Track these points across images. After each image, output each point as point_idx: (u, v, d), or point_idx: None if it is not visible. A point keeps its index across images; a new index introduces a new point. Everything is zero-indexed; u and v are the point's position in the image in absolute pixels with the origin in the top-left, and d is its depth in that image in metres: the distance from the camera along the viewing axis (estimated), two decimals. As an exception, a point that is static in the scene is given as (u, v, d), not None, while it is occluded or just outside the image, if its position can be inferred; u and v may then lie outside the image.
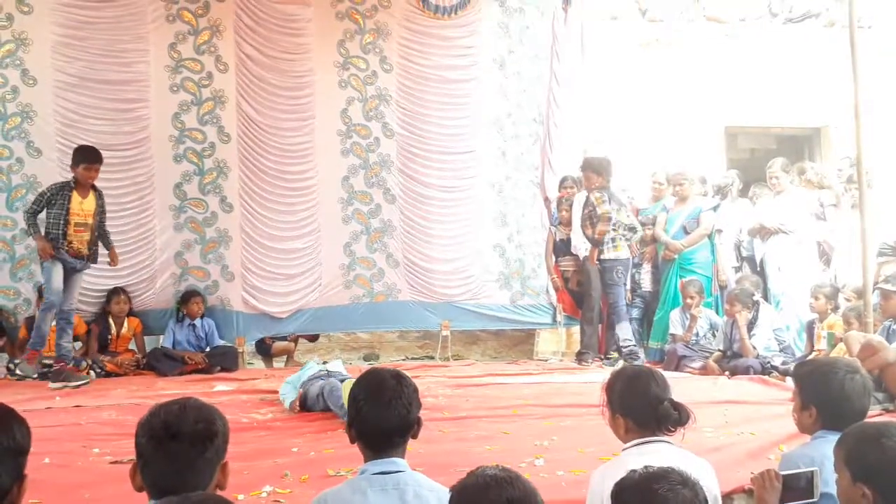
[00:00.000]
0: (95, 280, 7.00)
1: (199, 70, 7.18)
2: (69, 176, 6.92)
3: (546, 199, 7.96)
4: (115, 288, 6.97)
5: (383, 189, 7.63)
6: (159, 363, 6.83)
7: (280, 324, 7.48)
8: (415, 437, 2.26)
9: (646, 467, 1.87)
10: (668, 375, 6.20)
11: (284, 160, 7.36)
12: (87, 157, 6.19)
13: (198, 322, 7.13)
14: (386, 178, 7.63)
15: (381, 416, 2.18)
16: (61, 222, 6.04)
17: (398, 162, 7.66)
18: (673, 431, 2.36)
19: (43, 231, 6.05)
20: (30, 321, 6.79)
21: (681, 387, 5.55)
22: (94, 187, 6.28)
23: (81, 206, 6.14)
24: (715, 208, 7.43)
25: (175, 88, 7.14)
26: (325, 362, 5.32)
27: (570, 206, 7.70)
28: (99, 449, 3.67)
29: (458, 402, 4.94)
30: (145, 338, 7.22)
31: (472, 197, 7.78)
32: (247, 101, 7.25)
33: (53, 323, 6.18)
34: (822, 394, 2.53)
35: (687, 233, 7.39)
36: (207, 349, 7.09)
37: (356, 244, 7.60)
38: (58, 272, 6.04)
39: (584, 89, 8.10)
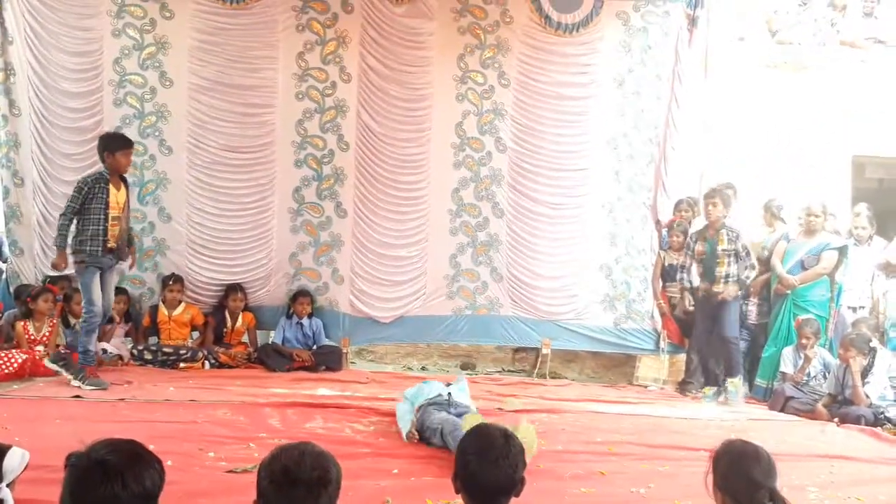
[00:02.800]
0: (215, 276, 7.42)
1: (324, 79, 7.41)
2: (197, 175, 7.36)
3: (657, 223, 7.83)
4: (234, 285, 7.34)
5: (492, 203, 7.69)
6: (269, 358, 7.17)
7: (383, 328, 7.69)
8: (517, 495, 2.32)
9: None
10: (774, 416, 6.05)
11: (399, 170, 7.53)
12: (124, 142, 5.87)
13: (306, 321, 7.42)
14: (496, 192, 7.69)
15: (488, 474, 2.25)
16: (102, 217, 5.65)
17: (509, 177, 7.70)
18: None
19: (81, 227, 5.68)
20: (153, 310, 7.24)
21: (787, 432, 5.48)
22: (122, 177, 5.93)
23: (116, 199, 5.78)
24: (842, 249, 7.10)
25: (300, 96, 7.40)
26: (448, 384, 4.90)
27: (684, 231, 7.56)
28: (214, 453, 3.89)
29: (555, 431, 4.94)
30: (257, 332, 7.56)
31: (582, 216, 7.75)
32: (366, 111, 7.44)
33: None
34: None
35: (804, 268, 7.12)
36: (314, 347, 7.37)
37: (462, 256, 7.70)
38: (97, 284, 5.74)
39: (704, 112, 7.91)
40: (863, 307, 7.33)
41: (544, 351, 7.68)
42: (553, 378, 7.79)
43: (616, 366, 8.19)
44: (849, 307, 7.29)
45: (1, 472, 2.13)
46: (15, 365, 5.95)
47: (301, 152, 7.45)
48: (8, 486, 2.14)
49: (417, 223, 7.63)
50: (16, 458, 2.16)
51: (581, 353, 8.20)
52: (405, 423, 4.50)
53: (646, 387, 7.61)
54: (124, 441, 1.94)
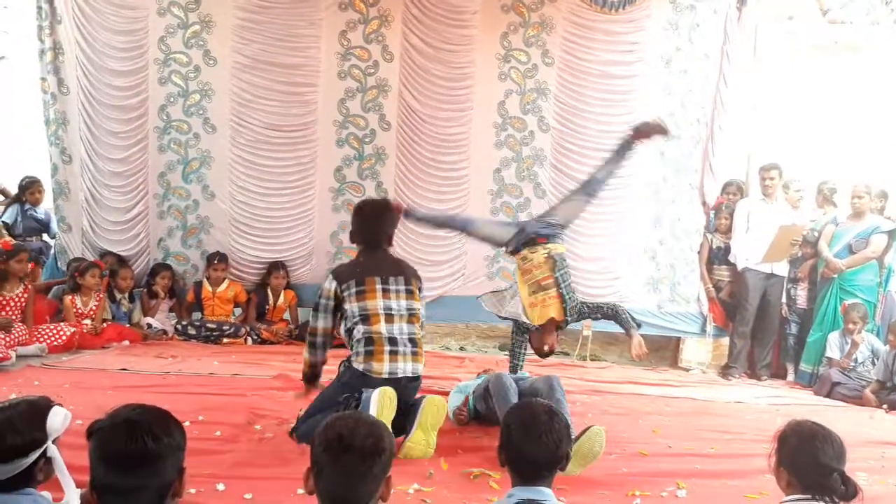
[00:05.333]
0: (258, 254, 7.47)
1: (367, 59, 7.39)
2: (240, 153, 7.40)
3: (704, 204, 7.71)
4: (276, 262, 7.39)
5: (534, 183, 7.62)
6: (310, 335, 7.20)
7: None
8: (563, 469, 2.31)
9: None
10: (820, 402, 5.93)
11: (440, 150, 7.48)
12: None
13: (346, 299, 7.44)
14: (538, 173, 7.62)
15: (531, 449, 2.24)
16: None
17: (551, 157, 7.62)
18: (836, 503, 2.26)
19: None
20: (197, 286, 7.33)
21: (834, 417, 5.36)
22: None
23: None
24: (891, 233, 6.92)
25: (343, 75, 7.39)
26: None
27: (731, 212, 7.44)
28: (261, 426, 3.92)
29: (597, 413, 4.91)
30: (299, 309, 7.61)
31: (626, 197, 7.60)
32: (408, 90, 7.40)
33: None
34: None
35: (852, 252, 6.96)
36: (354, 326, 7.39)
37: (503, 237, 7.64)
38: None
39: (752, 92, 7.75)
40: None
41: (585, 333, 7.61)
42: (594, 360, 7.74)
43: (657, 349, 8.10)
44: (898, 292, 7.12)
45: (45, 429, 2.15)
46: (63, 337, 6.10)
47: (343, 132, 7.45)
48: (53, 442, 2.17)
49: (458, 203, 7.57)
50: (59, 418, 2.18)
51: (622, 335, 8.09)
52: (453, 405, 4.41)
53: (688, 370, 7.54)
54: (143, 404, 1.96)
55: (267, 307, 7.42)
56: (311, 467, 2.05)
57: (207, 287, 7.28)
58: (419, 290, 4.02)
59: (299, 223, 7.49)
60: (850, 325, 6.59)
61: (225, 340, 6.97)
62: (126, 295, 7.16)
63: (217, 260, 7.27)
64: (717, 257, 7.57)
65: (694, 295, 7.66)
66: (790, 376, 7.36)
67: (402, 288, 3.90)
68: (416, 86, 7.41)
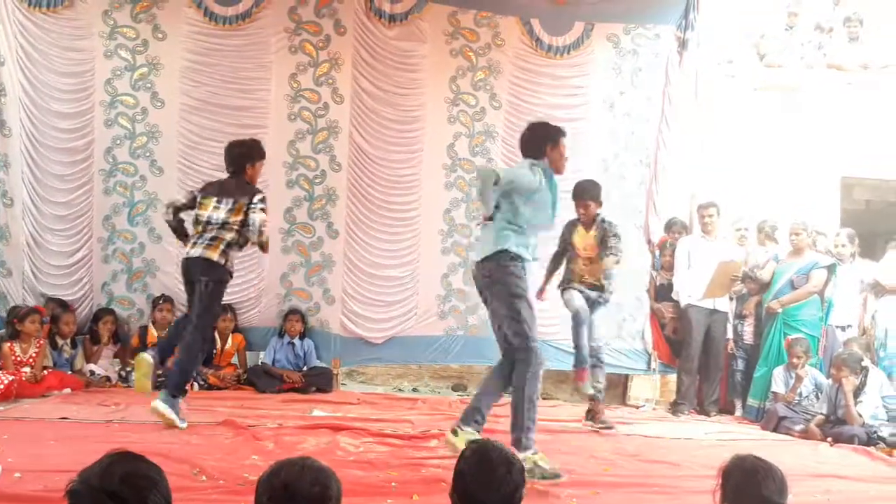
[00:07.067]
0: (206, 296, 7.33)
1: (317, 101, 7.43)
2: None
3: (649, 243, 7.86)
4: (223, 305, 7.24)
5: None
6: (259, 379, 7.12)
7: (375, 349, 7.64)
8: (517, 516, 2.29)
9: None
10: (766, 436, 6.02)
11: (391, 191, 7.53)
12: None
13: (297, 341, 7.37)
14: (487, 213, 7.68)
15: (486, 497, 2.22)
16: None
17: (500, 198, 7.70)
18: None
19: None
20: (142, 331, 7.18)
21: (780, 451, 5.45)
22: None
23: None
24: (830, 267, 7.14)
25: (293, 117, 7.41)
26: None
27: (674, 250, 7.60)
28: (206, 477, 3.82)
29: (550, 451, 4.88)
30: (247, 353, 7.49)
31: (572, 237, 7.74)
32: (359, 132, 7.45)
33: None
34: None
35: (794, 288, 7.16)
36: (304, 368, 7.31)
37: (453, 276, 7.69)
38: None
39: (694, 133, 7.98)
40: (850, 326, 7.36)
41: (537, 372, 7.62)
42: (545, 399, 7.73)
43: (607, 386, 8.14)
44: (837, 326, 7.31)
45: None
46: (1, 386, 5.88)
47: (293, 173, 7.45)
48: None
49: (409, 243, 7.62)
50: None
51: (572, 373, 8.15)
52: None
53: (638, 407, 7.61)
54: (116, 456, 1.87)
55: (214, 351, 7.27)
56: (257, 518, 2.01)
57: (153, 332, 7.12)
58: (249, 203, 5.23)
59: (248, 265, 7.37)
60: (794, 360, 6.73)
61: (171, 386, 6.79)
62: (68, 341, 6.96)
63: (162, 301, 7.14)
64: (661, 295, 7.70)
65: (640, 332, 7.77)
66: (738, 411, 7.48)
67: (230, 206, 5.25)
68: (366, 128, 7.47)
